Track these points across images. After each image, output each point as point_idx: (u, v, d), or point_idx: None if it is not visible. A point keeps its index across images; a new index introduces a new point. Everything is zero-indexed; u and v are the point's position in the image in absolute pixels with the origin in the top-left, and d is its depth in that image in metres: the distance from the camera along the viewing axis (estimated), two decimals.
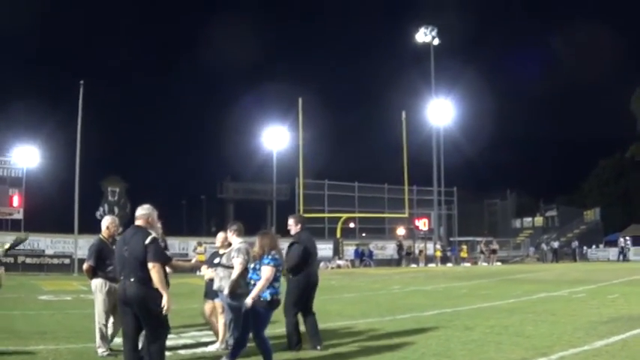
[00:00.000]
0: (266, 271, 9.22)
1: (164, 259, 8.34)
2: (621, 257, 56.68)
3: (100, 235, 10.79)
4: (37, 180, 52.24)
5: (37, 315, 16.70)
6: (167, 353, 8.59)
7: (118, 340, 9.76)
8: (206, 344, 11.51)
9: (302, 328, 11.37)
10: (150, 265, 7.82)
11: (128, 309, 8.03)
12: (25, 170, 50.09)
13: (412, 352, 10.80)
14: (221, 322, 11.00)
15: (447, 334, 12.80)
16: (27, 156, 50.14)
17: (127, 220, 26.10)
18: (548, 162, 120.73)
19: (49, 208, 54.36)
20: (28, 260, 42.55)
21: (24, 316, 16.24)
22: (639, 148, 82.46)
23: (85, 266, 10.67)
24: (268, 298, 9.24)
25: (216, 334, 11.38)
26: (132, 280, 7.88)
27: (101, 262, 10.43)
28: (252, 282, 9.31)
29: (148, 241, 7.91)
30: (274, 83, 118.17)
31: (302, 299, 11.36)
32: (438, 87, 64.88)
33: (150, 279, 7.77)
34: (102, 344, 10.30)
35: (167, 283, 8.06)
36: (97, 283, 10.48)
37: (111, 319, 10.52)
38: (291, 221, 11.49)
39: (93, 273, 10.51)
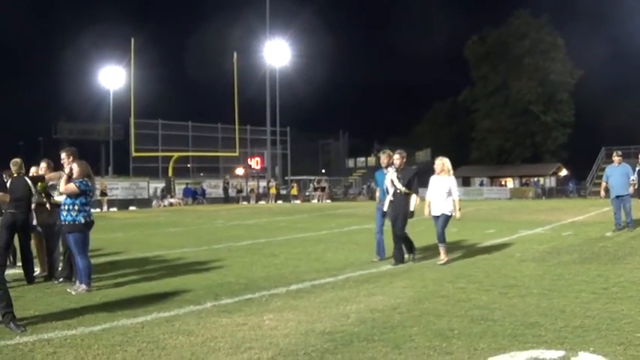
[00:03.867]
0: (72, 187, 10.04)
1: None
2: None
3: None
4: None
5: None
6: None
7: None
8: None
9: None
10: None
11: None
12: None
13: (216, 273, 11.97)
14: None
15: (253, 259, 14.03)
16: None
17: None
18: (384, 103, 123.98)
19: None
20: None
21: None
22: (472, 93, 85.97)
23: None
24: (83, 221, 10.11)
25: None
26: None
27: None
28: (66, 207, 10.11)
29: None
30: (108, 23, 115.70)
31: None
32: (274, 28, 65.47)
33: None
34: None
35: None
36: None
37: None
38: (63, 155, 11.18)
39: None
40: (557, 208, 32.01)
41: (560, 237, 17.24)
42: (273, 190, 58.97)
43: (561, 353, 6.06)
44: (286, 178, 68.09)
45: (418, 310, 8.08)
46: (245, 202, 55.88)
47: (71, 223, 10.03)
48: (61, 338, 7.03)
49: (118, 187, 51.96)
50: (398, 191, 12.71)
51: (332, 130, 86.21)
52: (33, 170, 11.94)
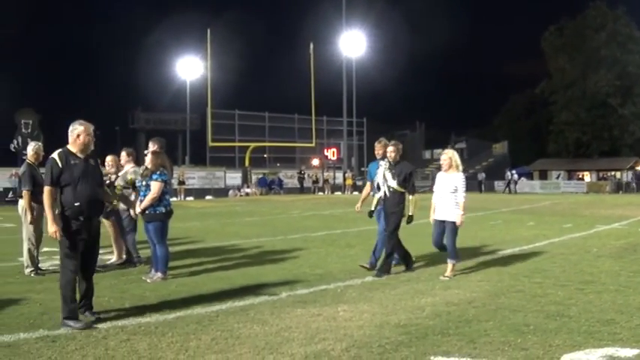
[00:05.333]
0: (155, 186, 10.23)
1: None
2: (507, 190, 58.44)
3: (28, 160, 10.87)
4: None
5: None
6: None
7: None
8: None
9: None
10: None
11: None
12: None
13: (291, 263, 12.16)
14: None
15: (329, 250, 14.17)
16: None
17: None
18: (461, 95, 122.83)
19: None
20: None
21: None
22: (549, 85, 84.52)
23: (24, 192, 10.42)
24: (164, 210, 10.37)
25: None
26: None
27: (36, 186, 10.16)
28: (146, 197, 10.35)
29: None
30: (185, 14, 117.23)
31: None
32: (351, 18, 65.38)
33: None
34: (30, 264, 10.92)
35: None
36: (27, 207, 10.50)
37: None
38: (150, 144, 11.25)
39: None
40: (634, 204, 31.44)
41: (637, 233, 17.01)
42: (349, 181, 58.87)
43: (636, 351, 6.01)
44: (362, 169, 67.92)
45: (494, 305, 8.08)
46: (321, 193, 55.98)
47: (152, 212, 10.26)
48: (135, 325, 7.21)
49: (195, 177, 52.59)
50: (390, 189, 11.00)
51: (408, 121, 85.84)
52: (109, 159, 12.21)
